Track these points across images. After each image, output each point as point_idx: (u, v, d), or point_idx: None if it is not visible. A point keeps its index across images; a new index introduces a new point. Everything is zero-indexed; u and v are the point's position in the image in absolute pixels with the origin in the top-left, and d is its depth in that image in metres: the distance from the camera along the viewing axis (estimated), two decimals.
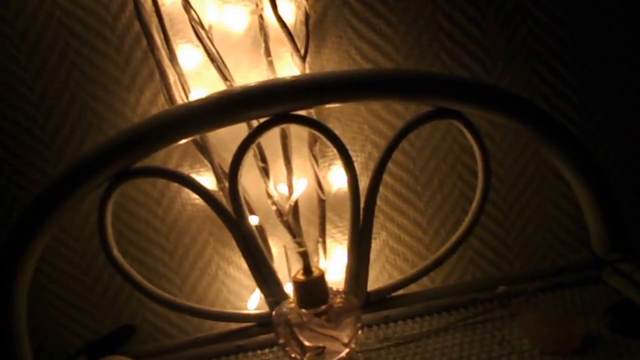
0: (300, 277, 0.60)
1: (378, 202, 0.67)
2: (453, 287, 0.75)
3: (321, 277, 0.61)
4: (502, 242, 0.82)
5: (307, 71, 0.73)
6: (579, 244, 0.82)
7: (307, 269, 0.60)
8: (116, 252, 0.66)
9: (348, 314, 0.60)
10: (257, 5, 0.72)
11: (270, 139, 0.73)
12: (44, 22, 0.72)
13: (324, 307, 0.60)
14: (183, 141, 0.64)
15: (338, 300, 0.61)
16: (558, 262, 0.83)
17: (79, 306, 0.79)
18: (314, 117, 0.73)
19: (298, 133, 0.75)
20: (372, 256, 0.68)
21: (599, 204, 0.70)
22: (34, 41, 0.72)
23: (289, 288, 0.68)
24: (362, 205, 0.66)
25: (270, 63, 0.73)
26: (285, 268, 0.67)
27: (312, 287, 0.60)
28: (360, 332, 0.62)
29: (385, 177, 0.77)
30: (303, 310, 0.60)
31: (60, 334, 0.79)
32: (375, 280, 0.80)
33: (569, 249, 0.83)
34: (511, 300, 0.69)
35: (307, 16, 0.72)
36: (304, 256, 0.60)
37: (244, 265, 0.67)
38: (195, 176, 0.74)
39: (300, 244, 0.74)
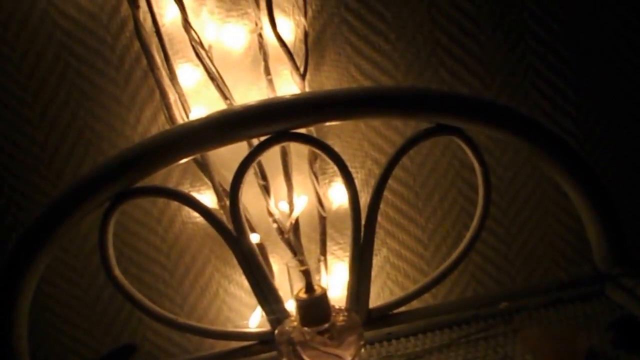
0: (303, 295, 0.60)
1: (379, 218, 0.67)
2: (455, 303, 0.75)
3: (323, 295, 0.60)
4: (503, 257, 0.82)
5: (307, 89, 0.73)
6: (581, 258, 0.82)
7: (309, 287, 0.60)
8: (117, 272, 0.65)
9: (351, 332, 0.60)
10: (256, 24, 0.72)
11: (271, 157, 0.73)
12: (44, 43, 0.72)
13: (326, 325, 0.60)
14: (184, 160, 0.65)
15: (340, 318, 0.61)
16: (560, 276, 0.83)
17: (79, 325, 0.79)
18: (314, 134, 0.73)
19: (298, 150, 0.75)
20: (373, 273, 0.68)
21: (600, 218, 0.70)
22: (34, 62, 0.73)
23: (290, 305, 0.67)
24: (363, 222, 0.66)
25: (270, 81, 0.73)
26: (286, 285, 0.67)
27: (314, 305, 0.60)
28: (362, 349, 0.62)
29: (386, 194, 0.77)
30: (305, 328, 0.60)
31: (60, 353, 0.79)
32: (377, 296, 0.80)
33: (570, 263, 0.83)
34: (513, 316, 0.68)
35: (306, 34, 0.73)
36: (306, 274, 0.60)
37: (245, 283, 0.67)
38: (196, 194, 0.75)
39: (302, 262, 0.74)
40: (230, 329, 0.76)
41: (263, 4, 0.71)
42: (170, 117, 0.72)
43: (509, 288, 0.82)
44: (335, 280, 0.79)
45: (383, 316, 0.69)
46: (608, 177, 0.81)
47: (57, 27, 0.72)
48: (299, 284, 0.61)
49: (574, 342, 0.60)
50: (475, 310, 0.70)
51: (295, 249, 0.75)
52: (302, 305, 0.60)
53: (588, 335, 0.61)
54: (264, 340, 0.68)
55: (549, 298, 0.70)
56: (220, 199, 0.74)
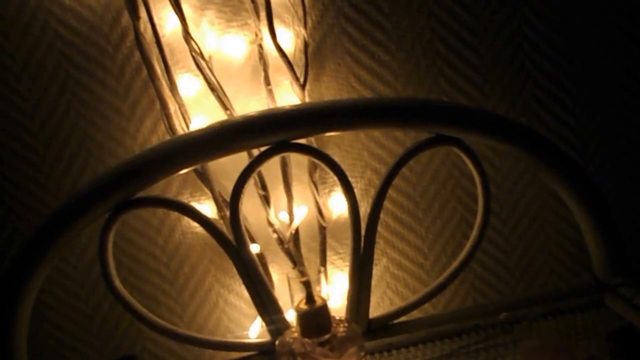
0: (303, 306, 0.60)
1: (378, 228, 0.67)
2: (455, 313, 0.75)
3: (324, 306, 0.60)
4: (503, 266, 0.82)
5: (307, 99, 0.74)
6: (581, 268, 0.82)
7: (309, 298, 0.60)
8: (117, 282, 0.65)
9: (351, 343, 0.60)
10: (256, 34, 0.73)
11: (271, 167, 0.73)
12: (45, 53, 0.72)
13: (327, 336, 0.60)
14: (184, 171, 0.65)
15: (341, 329, 0.61)
16: (559, 286, 0.83)
17: (79, 336, 0.78)
18: (314, 144, 0.73)
19: (298, 160, 0.75)
20: (372, 282, 0.68)
21: (599, 227, 0.70)
22: (35, 72, 0.73)
23: (290, 316, 0.67)
24: (363, 231, 0.66)
25: (270, 91, 0.73)
26: (286, 295, 0.67)
27: (315, 316, 0.60)
28: None
29: (385, 203, 0.77)
30: (306, 339, 0.59)
31: None
32: (377, 306, 0.80)
33: (570, 272, 0.83)
34: (513, 326, 0.68)
35: (306, 45, 0.73)
36: (307, 285, 0.60)
37: (245, 294, 0.67)
38: (196, 204, 0.75)
39: (302, 273, 0.74)
40: (230, 339, 0.76)
41: (263, 15, 0.71)
42: (171, 127, 0.72)
43: (508, 297, 0.82)
44: (335, 290, 0.79)
45: (383, 326, 0.69)
46: (607, 186, 0.81)
47: (58, 38, 0.72)
48: (300, 295, 0.61)
49: (574, 352, 0.60)
50: (476, 320, 0.70)
51: (295, 259, 0.75)
52: (302, 317, 0.60)
53: (588, 346, 0.61)
54: (264, 351, 0.67)
55: (548, 308, 0.70)
56: (220, 209, 0.74)
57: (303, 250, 0.76)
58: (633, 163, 0.82)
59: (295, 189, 0.76)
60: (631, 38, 0.79)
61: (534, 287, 0.82)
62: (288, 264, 0.76)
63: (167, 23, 0.72)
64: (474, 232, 0.69)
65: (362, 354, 0.61)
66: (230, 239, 0.65)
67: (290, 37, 0.74)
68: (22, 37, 0.72)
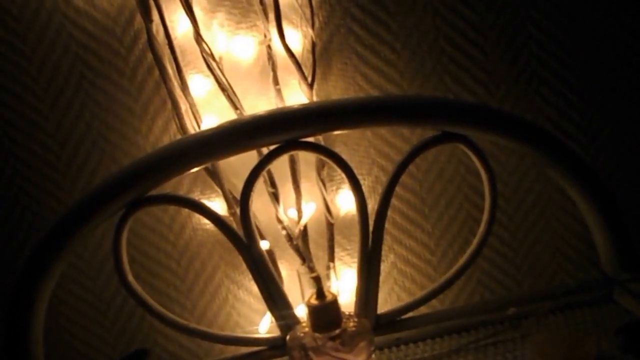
0: (314, 301, 0.61)
1: (385, 224, 0.68)
2: (463, 308, 0.75)
3: (334, 301, 0.61)
4: (510, 262, 0.82)
5: (315, 98, 0.75)
6: (588, 263, 0.82)
7: (320, 293, 0.61)
8: (131, 278, 0.67)
9: (362, 338, 0.61)
10: (265, 35, 0.74)
11: (279, 164, 0.74)
12: (60, 55, 0.74)
13: (337, 330, 0.60)
14: (195, 169, 0.66)
15: (351, 324, 0.62)
16: (567, 281, 0.83)
17: (92, 330, 0.80)
18: (321, 142, 0.74)
19: (306, 158, 0.76)
20: (380, 278, 0.68)
21: (606, 223, 0.70)
22: (51, 73, 0.74)
23: (299, 311, 0.68)
24: (370, 228, 0.67)
25: (279, 91, 0.75)
26: (295, 291, 0.68)
27: (326, 311, 0.61)
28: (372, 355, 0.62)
29: (392, 200, 0.78)
30: (317, 334, 0.60)
31: (73, 358, 0.80)
32: (384, 302, 0.81)
33: (577, 268, 0.83)
34: (521, 322, 0.69)
35: (313, 45, 0.74)
36: (317, 281, 0.61)
37: (254, 289, 0.68)
38: (206, 202, 0.75)
39: (311, 269, 0.75)
40: (240, 334, 0.77)
41: (272, 16, 0.73)
42: (182, 127, 0.74)
43: (515, 293, 0.82)
44: (342, 286, 0.80)
45: (391, 322, 0.69)
46: (613, 182, 0.81)
47: (73, 40, 0.74)
48: (309, 290, 0.62)
49: (583, 347, 0.60)
50: (484, 315, 0.70)
51: (304, 255, 0.76)
52: (313, 311, 0.61)
53: (597, 341, 0.61)
54: (273, 346, 0.68)
55: (557, 303, 0.70)
56: (230, 206, 0.75)
57: (311, 246, 0.77)
58: (638, 158, 0.82)
59: (304, 186, 0.77)
60: (635, 35, 0.79)
61: (541, 283, 0.82)
62: (297, 260, 0.77)
63: (179, 25, 0.74)
64: (481, 228, 0.69)
65: (372, 348, 0.62)
66: (241, 236, 0.66)
67: (298, 37, 0.76)
68: (38, 40, 0.74)
